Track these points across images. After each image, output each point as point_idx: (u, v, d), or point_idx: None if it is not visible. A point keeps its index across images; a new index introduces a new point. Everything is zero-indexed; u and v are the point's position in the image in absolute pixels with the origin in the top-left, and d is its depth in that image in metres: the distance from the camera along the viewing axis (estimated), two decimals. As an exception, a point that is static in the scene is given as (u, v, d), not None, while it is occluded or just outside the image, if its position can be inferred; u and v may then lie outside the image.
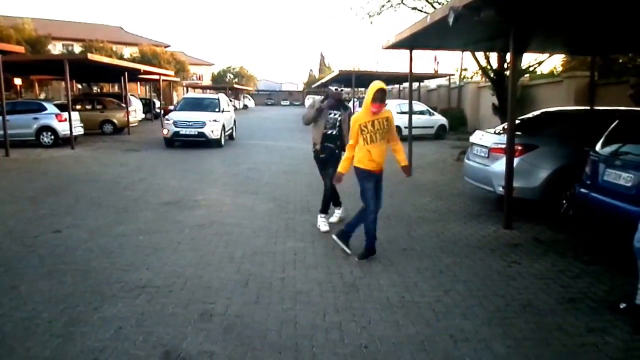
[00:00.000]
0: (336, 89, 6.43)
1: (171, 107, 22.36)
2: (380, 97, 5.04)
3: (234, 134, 19.94)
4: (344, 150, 6.49)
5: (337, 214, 6.91)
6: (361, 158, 5.30)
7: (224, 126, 17.20)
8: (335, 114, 6.40)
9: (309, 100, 57.85)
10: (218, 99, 18.43)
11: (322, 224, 6.58)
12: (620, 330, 3.81)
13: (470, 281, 4.81)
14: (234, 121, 20.24)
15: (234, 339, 3.66)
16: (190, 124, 16.41)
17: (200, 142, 16.63)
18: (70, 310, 4.10)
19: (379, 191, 5.50)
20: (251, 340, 3.65)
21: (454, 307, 4.22)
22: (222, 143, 17.00)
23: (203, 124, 16.36)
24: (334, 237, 5.67)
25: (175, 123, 16.54)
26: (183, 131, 16.46)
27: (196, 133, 16.38)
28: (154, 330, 3.77)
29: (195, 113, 16.85)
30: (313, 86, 56.23)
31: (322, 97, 6.58)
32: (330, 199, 6.71)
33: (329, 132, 6.40)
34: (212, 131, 16.45)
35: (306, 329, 3.83)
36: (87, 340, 3.62)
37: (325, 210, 6.68)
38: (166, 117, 17.88)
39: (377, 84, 5.02)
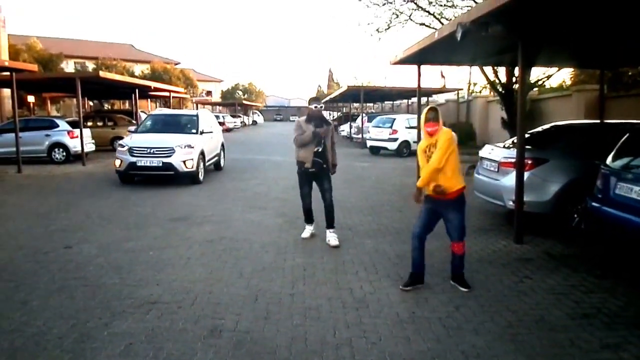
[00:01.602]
0: (315, 107, 6.54)
1: (131, 128, 15.78)
2: (432, 117, 4.81)
3: (221, 162, 15.12)
4: (334, 165, 6.75)
5: (308, 230, 6.93)
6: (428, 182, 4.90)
7: (203, 154, 12.54)
8: (319, 132, 6.48)
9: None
10: (196, 116, 13.62)
11: (332, 238, 6.57)
12: (634, 346, 3.74)
13: (482, 296, 4.77)
14: (222, 146, 15.24)
15: (244, 355, 3.65)
16: (153, 151, 11.65)
17: (168, 178, 11.95)
18: (80, 326, 4.11)
19: (446, 223, 4.97)
20: (261, 357, 3.63)
21: (465, 323, 4.18)
22: (201, 178, 12.32)
23: (171, 152, 11.60)
24: (452, 282, 5.11)
25: (131, 151, 11.77)
26: (142, 162, 11.65)
27: (160, 164, 11.60)
28: (164, 346, 3.76)
29: (162, 136, 12.43)
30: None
31: (304, 117, 6.61)
32: (331, 213, 6.71)
33: (316, 149, 6.46)
34: (183, 162, 11.67)
35: (316, 345, 3.80)
36: (97, 356, 3.62)
37: (331, 224, 6.68)
38: (120, 142, 13.74)
39: (428, 107, 4.95)
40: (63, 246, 6.52)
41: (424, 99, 29.31)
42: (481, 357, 3.60)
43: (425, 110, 4.92)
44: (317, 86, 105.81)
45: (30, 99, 26.45)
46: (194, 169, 11.94)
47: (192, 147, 11.95)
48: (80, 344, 3.80)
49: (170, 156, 11.62)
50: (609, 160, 5.79)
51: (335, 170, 6.85)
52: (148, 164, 11.69)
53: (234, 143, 28.94)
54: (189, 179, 12.07)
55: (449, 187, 4.77)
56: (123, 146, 12.16)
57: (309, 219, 6.92)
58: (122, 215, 8.46)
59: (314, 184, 6.72)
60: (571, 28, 7.06)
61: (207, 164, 13.16)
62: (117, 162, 12.04)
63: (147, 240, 6.84)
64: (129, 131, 15.11)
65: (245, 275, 5.39)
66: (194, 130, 12.86)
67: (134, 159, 11.72)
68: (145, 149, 11.73)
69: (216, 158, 14.51)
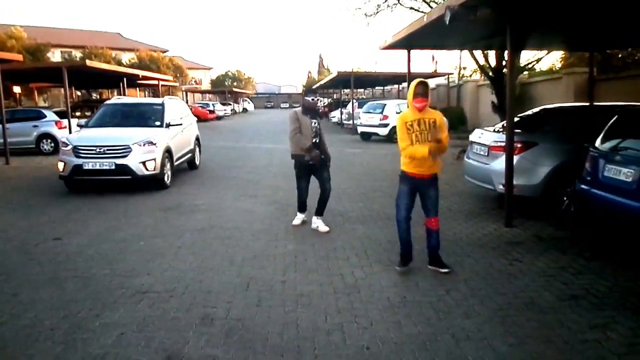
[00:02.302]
0: (312, 99, 6.59)
1: (82, 122, 12.75)
2: (422, 92, 4.74)
3: (196, 159, 12.83)
4: (328, 158, 6.70)
5: (300, 217, 6.92)
6: (405, 160, 4.92)
7: (170, 152, 10.26)
8: (315, 123, 6.51)
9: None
10: (162, 105, 11.20)
11: (321, 225, 6.61)
12: (622, 326, 3.80)
13: (472, 280, 4.80)
14: (197, 140, 13.06)
15: (236, 343, 3.66)
16: (103, 151, 9.27)
17: (124, 183, 9.60)
18: (71, 317, 4.10)
19: (424, 200, 5.01)
20: (253, 344, 3.64)
21: (455, 307, 4.21)
22: (167, 181, 10.01)
23: (126, 151, 9.32)
24: (429, 267, 5.12)
25: (76, 150, 9.40)
26: (90, 164, 9.27)
27: (113, 167, 9.22)
28: (156, 336, 3.77)
29: (116, 131, 10.20)
30: (312, 88, 56.33)
31: (300, 108, 6.60)
32: (325, 202, 6.73)
33: (313, 140, 6.44)
34: (143, 163, 9.38)
35: (308, 331, 3.82)
36: (89, 346, 3.62)
37: (322, 212, 6.72)
38: (63, 138, 10.96)
39: (417, 80, 4.83)
40: (53, 237, 6.48)
41: (414, 84, 29.36)
42: (471, 340, 3.64)
43: (414, 83, 4.81)
44: (307, 72, 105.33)
45: (17, 89, 26.08)
46: (158, 170, 9.58)
47: (155, 144, 9.65)
48: (72, 335, 3.79)
49: (125, 156, 9.30)
50: (597, 142, 5.82)
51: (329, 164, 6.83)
52: (97, 167, 9.25)
53: (224, 131, 28.86)
54: (152, 183, 9.75)
55: (435, 168, 4.90)
56: (67, 144, 9.66)
57: (301, 208, 6.90)
58: (112, 205, 8.41)
59: (312, 177, 6.68)
60: (560, 10, 7.05)
61: (177, 163, 10.85)
62: (60, 165, 9.59)
63: (138, 230, 6.82)
64: (78, 125, 12.01)
65: (236, 263, 5.39)
66: (157, 123, 10.58)
67: (79, 161, 9.29)
68: (94, 148, 9.32)
69: (189, 155, 12.10)
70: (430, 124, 4.79)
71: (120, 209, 8.10)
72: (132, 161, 9.36)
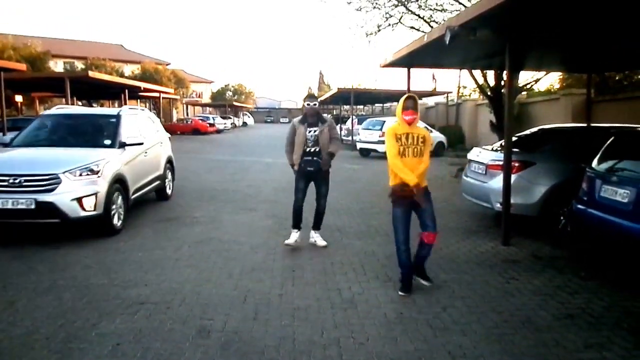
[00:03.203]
0: (308, 104, 6.40)
1: (6, 138, 9.22)
2: (411, 105, 4.82)
3: (167, 187, 10.10)
4: (328, 154, 6.36)
5: (294, 237, 6.51)
6: (393, 175, 4.88)
7: (122, 182, 7.53)
8: (315, 131, 6.29)
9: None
10: (116, 119, 8.33)
11: (319, 239, 6.61)
12: (618, 346, 3.81)
13: (469, 297, 4.81)
14: (169, 163, 10.31)
15: (232, 355, 3.66)
16: (19, 182, 6.51)
17: (51, 228, 6.99)
18: (68, 327, 4.10)
19: (421, 215, 4.90)
20: (249, 357, 3.64)
21: (452, 324, 4.22)
22: (117, 223, 7.27)
23: (52, 183, 6.60)
24: (415, 277, 5.07)
25: None
26: None
27: (33, 206, 6.44)
28: (152, 347, 3.77)
29: (45, 153, 7.58)
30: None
31: (301, 116, 6.52)
32: (321, 217, 6.67)
33: (312, 149, 6.28)
34: (78, 200, 6.65)
35: (304, 345, 3.82)
36: (85, 356, 3.62)
37: (318, 227, 6.69)
38: None
39: (406, 94, 4.92)
40: (51, 247, 6.47)
41: (414, 102, 29.51)
42: (467, 358, 3.64)
43: (403, 97, 4.90)
44: (307, 88, 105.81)
45: (18, 98, 26.19)
46: (100, 210, 6.75)
47: (97, 172, 6.81)
48: (68, 345, 3.79)
49: (51, 190, 6.48)
50: (594, 163, 5.87)
51: (330, 159, 6.39)
52: (9, 206, 6.35)
53: (223, 145, 28.95)
54: (93, 228, 6.94)
55: (424, 181, 4.93)
56: None
57: (296, 222, 6.52)
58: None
59: (312, 185, 6.52)
60: (559, 33, 7.16)
61: (135, 196, 8.12)
62: None
63: (136, 241, 6.82)
64: (1, 144, 8.23)
65: (234, 276, 5.40)
66: (108, 142, 7.77)
67: None
68: (7, 178, 6.44)
69: (157, 183, 9.36)
70: (418, 139, 4.85)
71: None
72: (61, 197, 6.47)
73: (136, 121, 9.07)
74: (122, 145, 7.81)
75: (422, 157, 4.85)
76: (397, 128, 4.91)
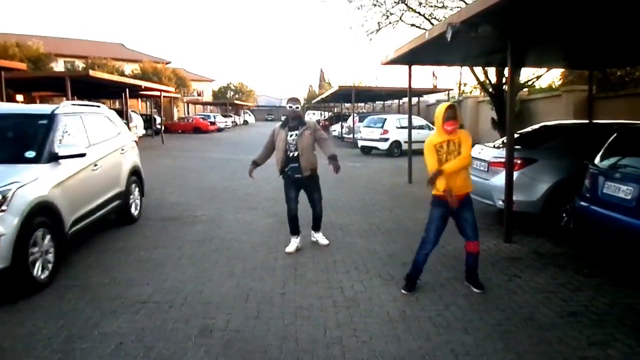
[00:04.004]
0: (290, 107, 6.12)
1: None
2: (452, 115, 4.71)
3: (133, 207, 8.01)
4: (312, 169, 6.13)
5: (294, 243, 6.35)
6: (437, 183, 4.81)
7: (52, 212, 5.32)
8: (294, 135, 6.06)
9: (307, 116, 57.98)
10: (49, 119, 6.03)
11: (321, 238, 6.58)
12: (621, 343, 3.80)
13: (471, 295, 4.80)
14: (134, 174, 8.17)
15: (235, 355, 3.65)
16: None
17: None
18: (70, 326, 4.10)
19: (460, 223, 4.88)
20: (252, 356, 3.64)
21: (455, 321, 4.21)
22: (41, 276, 4.97)
23: None
24: (466, 283, 5.06)
25: None
26: None
27: None
28: (154, 346, 3.76)
29: None
30: (313, 102, 56.56)
31: (282, 121, 6.36)
32: (319, 219, 6.55)
33: (295, 153, 6.04)
34: None
35: (307, 344, 3.81)
36: (87, 356, 3.62)
37: (318, 229, 6.63)
38: None
39: (445, 104, 4.82)
40: (52, 246, 6.47)
41: (415, 99, 29.44)
42: (471, 355, 3.63)
43: (443, 107, 4.79)
44: (308, 86, 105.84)
45: (19, 98, 26.20)
46: (7, 262, 4.56)
47: (4, 203, 4.65)
48: (70, 344, 3.79)
49: None
50: (597, 160, 5.85)
51: (337, 162, 6.10)
52: None
53: (224, 143, 28.95)
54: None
55: (466, 187, 4.86)
56: None
57: (294, 229, 6.38)
58: (112, 215, 8.40)
59: (303, 192, 6.34)
60: (560, 29, 7.13)
61: (77, 228, 5.97)
62: None
63: (138, 240, 6.82)
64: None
65: (236, 275, 5.39)
66: (30, 154, 5.58)
67: None
68: None
69: (115, 203, 7.23)
70: (457, 144, 4.77)
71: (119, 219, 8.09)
72: None
73: (82, 123, 6.78)
74: (54, 158, 5.62)
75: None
76: (434, 139, 4.82)
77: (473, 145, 8.98)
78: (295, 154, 6.06)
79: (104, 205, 6.91)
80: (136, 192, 8.21)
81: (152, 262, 5.85)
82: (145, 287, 5.01)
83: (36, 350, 3.71)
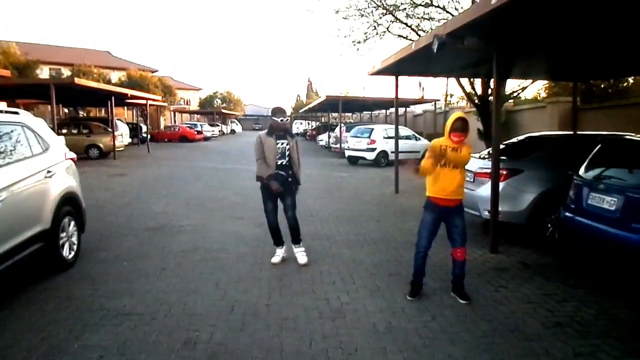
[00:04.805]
0: (281, 120, 6.04)
1: None
2: (461, 127, 4.77)
3: (64, 248, 5.89)
4: (297, 182, 6.13)
5: (279, 254, 6.30)
6: (430, 183, 4.91)
7: None
8: (283, 143, 6.01)
9: (295, 125, 57.95)
10: None
11: (300, 255, 6.25)
12: (606, 354, 3.80)
13: (457, 306, 4.79)
14: (68, 201, 6.11)
15: (218, 368, 3.59)
16: None
17: None
18: (50, 339, 4.00)
19: (450, 229, 4.93)
20: (236, 369, 3.58)
21: (441, 333, 4.19)
22: None
23: None
24: (451, 293, 5.07)
25: None
26: None
27: None
28: (137, 359, 3.69)
29: None
30: (300, 111, 56.63)
31: (267, 129, 6.19)
32: (296, 230, 6.29)
33: (279, 162, 5.97)
34: None
35: (292, 357, 3.77)
36: (67, 370, 3.53)
37: (297, 240, 6.32)
38: None
39: (457, 113, 4.85)
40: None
41: (401, 110, 29.58)
42: (457, 367, 3.61)
43: (454, 117, 4.83)
44: (296, 95, 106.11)
45: (3, 105, 25.90)
46: None
47: None
48: (50, 358, 3.70)
49: None
50: (581, 171, 5.91)
51: (298, 188, 6.25)
52: None
53: (211, 152, 28.81)
54: None
55: (460, 194, 4.87)
56: None
57: (277, 240, 6.30)
58: (96, 224, 8.30)
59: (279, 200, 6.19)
60: (545, 41, 7.21)
61: None
62: None
63: (121, 250, 6.72)
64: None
65: (221, 286, 5.32)
66: None
67: None
68: None
69: (33, 248, 5.27)
70: (459, 152, 4.83)
71: (103, 229, 7.99)
72: None
73: None
74: None
75: (458, 169, 4.82)
76: (442, 140, 4.90)
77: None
78: (280, 162, 5.99)
79: (14, 252, 4.85)
80: (71, 227, 6.15)
81: (135, 272, 5.76)
82: (129, 298, 4.93)
83: (14, 363, 3.62)
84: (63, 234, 5.91)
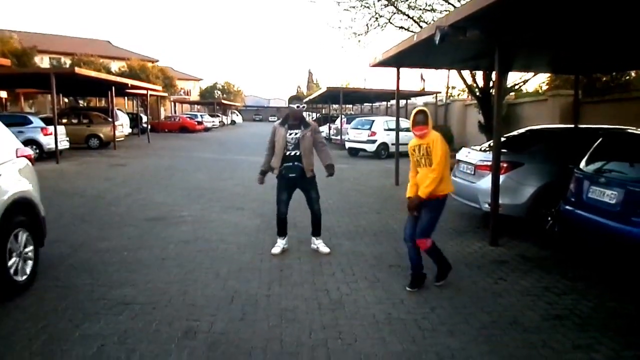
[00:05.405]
0: (298, 106, 6.07)
1: None
2: (421, 120, 4.82)
3: (18, 267, 4.75)
4: (305, 174, 6.07)
5: (280, 245, 6.30)
6: (410, 184, 5.12)
7: None
8: (296, 133, 5.97)
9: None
10: None
11: (322, 246, 6.31)
12: (605, 347, 3.81)
13: (457, 298, 4.80)
14: (17, 212, 4.84)
15: (219, 357, 3.61)
16: None
17: None
18: (51, 328, 4.02)
19: (419, 219, 5.00)
20: (236, 358, 3.60)
21: (440, 325, 4.21)
22: None
23: None
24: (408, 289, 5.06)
25: None
26: None
27: None
28: (137, 348, 3.70)
29: None
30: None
31: (282, 118, 6.20)
32: (319, 223, 6.36)
33: (292, 152, 5.96)
34: None
35: (292, 347, 3.78)
36: (68, 358, 3.55)
37: (318, 233, 6.38)
38: None
39: (416, 108, 4.94)
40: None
41: (402, 102, 29.50)
42: (456, 358, 3.63)
43: (413, 112, 4.93)
44: (296, 87, 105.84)
45: (3, 94, 25.86)
46: None
47: None
48: (50, 346, 3.71)
49: None
50: (582, 164, 5.90)
51: (334, 171, 6.32)
52: None
53: (212, 143, 28.78)
54: None
55: (440, 190, 4.90)
56: None
57: (282, 230, 6.31)
58: (96, 215, 8.32)
59: (299, 193, 6.22)
60: (547, 34, 7.19)
61: None
62: None
63: (122, 240, 6.73)
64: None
65: (221, 276, 5.34)
66: None
67: None
68: None
69: None
70: (426, 149, 4.84)
71: (103, 219, 8.00)
72: None
73: None
74: None
75: (431, 167, 4.82)
76: (411, 142, 5.05)
77: (460, 149, 9.05)
78: (293, 153, 5.98)
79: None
80: (23, 238, 4.95)
81: (136, 262, 5.77)
82: (129, 288, 4.94)
83: (15, 352, 3.63)
84: (14, 253, 4.75)
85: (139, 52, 54.44)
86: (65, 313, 4.31)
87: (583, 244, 6.42)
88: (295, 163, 5.98)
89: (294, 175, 6.01)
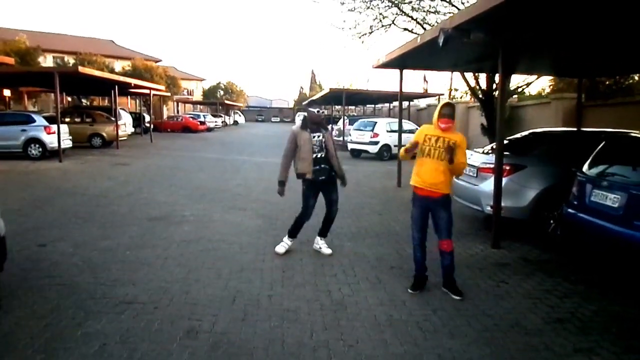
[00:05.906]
0: (318, 111, 6.11)
1: None
2: (449, 113, 4.78)
3: None
4: (336, 173, 6.14)
5: (286, 245, 6.30)
6: (414, 171, 4.99)
7: None
8: (319, 136, 6.01)
9: (299, 117, 57.86)
10: None
11: (325, 247, 6.34)
12: (606, 350, 3.81)
13: (459, 300, 4.80)
14: None
15: (220, 357, 3.61)
16: None
17: None
18: (53, 326, 4.03)
19: (436, 221, 4.94)
20: (237, 358, 3.60)
21: (441, 327, 4.21)
22: None
23: None
24: (444, 289, 5.02)
25: None
26: None
27: None
28: (139, 347, 3.71)
29: None
30: (303, 103, 56.46)
31: (298, 124, 6.14)
32: (331, 224, 6.38)
33: (319, 155, 5.97)
34: None
35: (293, 348, 3.79)
36: (70, 356, 3.56)
37: (326, 234, 6.43)
38: None
39: (444, 100, 4.97)
40: (37, 244, 6.39)
41: (405, 103, 29.48)
42: (457, 361, 3.63)
43: (441, 104, 4.89)
44: (299, 87, 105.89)
45: (6, 92, 25.89)
46: None
47: None
48: (53, 344, 3.72)
49: None
50: (585, 167, 5.89)
51: (346, 181, 6.32)
52: None
53: (214, 143, 28.80)
54: None
55: (445, 188, 4.87)
56: None
57: (295, 233, 6.30)
58: (99, 214, 8.33)
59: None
60: (551, 37, 7.18)
61: None
62: None
63: (124, 239, 6.74)
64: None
65: (223, 276, 5.34)
66: None
67: None
68: None
69: None
70: (449, 143, 4.75)
71: (105, 218, 8.02)
72: None
73: None
74: None
75: (443, 162, 4.76)
76: (429, 129, 4.94)
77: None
78: (321, 154, 6.00)
79: None
80: None
81: (138, 261, 5.78)
82: (131, 287, 4.95)
83: (17, 350, 3.64)
84: None
85: (142, 51, 54.51)
86: (68, 311, 4.32)
87: (585, 247, 6.41)
88: (322, 165, 6.00)
89: (324, 177, 6.03)
